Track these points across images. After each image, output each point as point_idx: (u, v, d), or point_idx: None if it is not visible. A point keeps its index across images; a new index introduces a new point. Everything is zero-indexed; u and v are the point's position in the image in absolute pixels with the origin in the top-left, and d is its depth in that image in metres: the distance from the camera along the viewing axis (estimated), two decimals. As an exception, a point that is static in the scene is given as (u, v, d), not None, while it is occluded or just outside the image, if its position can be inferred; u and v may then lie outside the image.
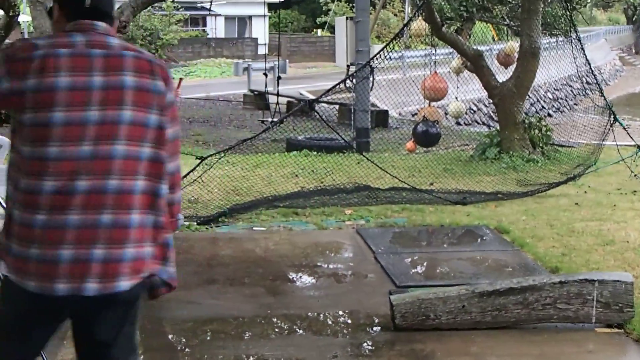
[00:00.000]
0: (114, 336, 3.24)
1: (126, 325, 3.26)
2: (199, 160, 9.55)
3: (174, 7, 42.83)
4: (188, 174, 9.44)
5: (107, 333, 3.22)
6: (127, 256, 3.06)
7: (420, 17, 12.80)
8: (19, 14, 18.88)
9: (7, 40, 20.16)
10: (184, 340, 5.62)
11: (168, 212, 3.19)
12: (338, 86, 10.81)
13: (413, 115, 23.08)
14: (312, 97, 22.99)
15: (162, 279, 3.21)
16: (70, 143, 2.96)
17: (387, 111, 21.01)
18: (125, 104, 3.03)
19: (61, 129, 2.95)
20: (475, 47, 14.26)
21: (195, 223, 8.72)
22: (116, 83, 3.02)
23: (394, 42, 11.28)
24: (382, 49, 10.82)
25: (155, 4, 19.57)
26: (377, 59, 11.00)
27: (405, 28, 12.56)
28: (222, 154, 9.82)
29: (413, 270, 7.42)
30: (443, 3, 14.03)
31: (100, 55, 3.03)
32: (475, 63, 13.60)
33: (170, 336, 5.72)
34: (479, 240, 8.47)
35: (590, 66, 12.87)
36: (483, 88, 14.11)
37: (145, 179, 3.08)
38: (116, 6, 12.98)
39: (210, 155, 9.81)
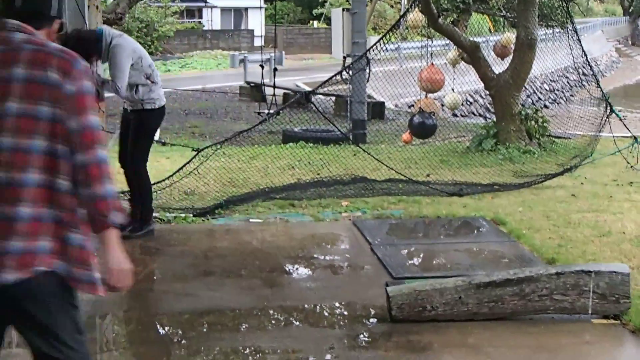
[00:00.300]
0: (29, 338, 3.21)
1: (36, 326, 3.17)
2: (195, 152, 9.54)
3: (171, -1, 42.82)
4: (184, 166, 9.43)
5: (18, 328, 3.23)
6: (13, 249, 3.05)
7: (416, 9, 12.79)
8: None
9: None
10: (181, 332, 5.62)
11: (89, 210, 3.09)
12: (334, 78, 10.80)
13: (409, 107, 23.08)
14: (308, 88, 22.98)
15: (64, 275, 3.12)
16: None
17: (383, 103, 21.02)
18: (11, 97, 3.07)
19: None
20: (471, 39, 14.23)
21: (191, 215, 8.71)
22: (4, 76, 3.09)
23: (391, 34, 11.26)
24: (379, 41, 10.81)
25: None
26: (373, 50, 10.98)
27: (401, 19, 12.52)
28: (219, 146, 9.80)
29: (410, 262, 7.42)
30: (440, -6, 14.01)
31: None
32: (472, 54, 13.58)
33: (167, 328, 5.73)
34: (475, 231, 8.47)
35: (586, 57, 12.86)
36: (479, 79, 14.09)
37: (39, 172, 3.06)
38: (112, -1, 12.76)
39: (207, 147, 9.80)
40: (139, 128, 7.80)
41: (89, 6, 8.07)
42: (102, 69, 7.91)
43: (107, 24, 8.28)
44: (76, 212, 3.11)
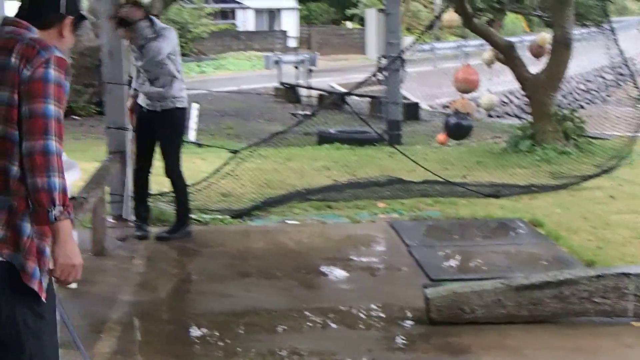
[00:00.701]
0: None
1: None
2: (232, 154, 9.58)
3: (204, 0, 42.97)
4: (221, 167, 9.47)
5: None
6: None
7: (451, 9, 12.75)
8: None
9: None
10: (218, 333, 5.64)
11: (29, 199, 3.01)
12: (370, 79, 10.79)
13: (444, 108, 23.01)
14: (342, 89, 23.01)
15: (16, 267, 3.05)
16: None
17: (417, 104, 20.97)
18: None
19: None
20: (506, 39, 14.16)
21: (228, 216, 8.74)
22: None
23: (425, 35, 11.23)
24: (414, 42, 10.77)
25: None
26: (408, 51, 10.95)
27: (436, 20, 12.49)
28: (255, 148, 9.83)
29: (447, 264, 7.40)
30: (474, -6, 13.95)
31: None
32: (507, 54, 13.51)
33: (204, 329, 5.75)
34: (512, 233, 8.43)
35: (624, 57, 12.75)
36: (514, 80, 14.02)
37: None
38: (147, -1, 12.79)
39: (243, 149, 9.82)
40: (173, 128, 7.74)
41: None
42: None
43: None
44: (27, 203, 3.05)
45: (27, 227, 3.06)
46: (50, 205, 2.97)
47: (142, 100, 7.65)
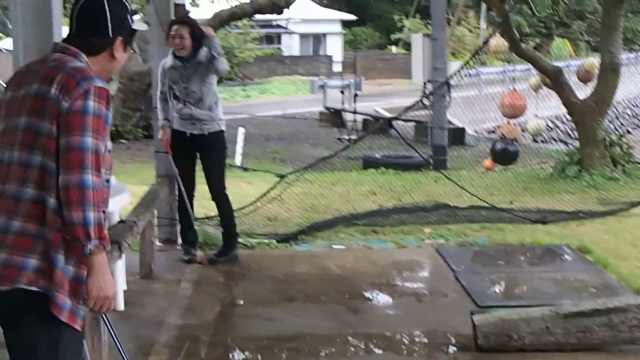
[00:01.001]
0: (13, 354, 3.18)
1: (9, 344, 3.16)
2: (279, 178, 9.62)
3: (250, 25, 43.24)
4: (268, 192, 9.51)
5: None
6: None
7: (498, 34, 12.72)
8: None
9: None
10: (264, 357, 5.65)
11: (67, 233, 3.02)
12: (417, 104, 10.79)
13: (489, 133, 22.89)
14: (387, 114, 22.99)
15: (47, 298, 3.04)
16: None
17: (463, 128, 20.88)
18: (24, 111, 3.11)
19: None
20: (554, 63, 14.08)
21: (274, 240, 8.77)
22: (26, 92, 3.15)
23: (473, 60, 11.22)
24: (461, 67, 10.76)
25: (232, 22, 19.74)
26: (455, 76, 10.94)
27: (484, 45, 12.47)
28: (301, 172, 9.86)
29: (494, 290, 7.35)
30: (521, 19, 13.90)
31: (33, 69, 3.22)
32: (554, 79, 13.44)
33: (250, 353, 5.77)
34: (560, 259, 8.36)
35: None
36: (560, 105, 13.93)
37: (33, 187, 3.05)
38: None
39: (290, 173, 9.86)
40: (219, 151, 7.75)
41: (175, 34, 8.17)
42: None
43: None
44: (57, 231, 3.06)
45: (61, 260, 3.05)
46: (86, 239, 2.99)
47: (182, 125, 7.56)
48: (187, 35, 7.33)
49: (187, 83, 7.44)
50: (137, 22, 3.44)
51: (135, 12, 3.42)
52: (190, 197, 7.83)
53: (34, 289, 3.02)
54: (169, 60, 7.53)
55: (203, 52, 7.38)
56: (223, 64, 7.45)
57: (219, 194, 7.73)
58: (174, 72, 7.49)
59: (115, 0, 3.28)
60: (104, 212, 3.14)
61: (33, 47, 3.84)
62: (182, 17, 7.51)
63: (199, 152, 7.68)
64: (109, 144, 3.23)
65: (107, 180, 3.24)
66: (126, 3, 3.33)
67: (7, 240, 3.05)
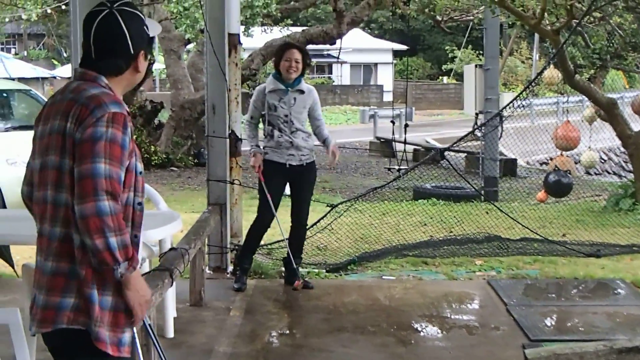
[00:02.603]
0: None
1: None
2: (329, 208, 9.61)
3: (302, 55, 43.57)
4: (318, 221, 9.50)
5: None
6: (39, 303, 3.09)
7: (552, 65, 12.64)
8: (153, 62, 19.58)
9: (141, 87, 20.88)
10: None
11: (94, 260, 3.00)
12: (470, 135, 10.73)
13: (541, 164, 22.73)
14: (438, 145, 22.90)
15: (90, 334, 3.05)
16: (35, 190, 3.19)
17: (515, 160, 20.75)
18: (51, 149, 3.11)
19: (32, 176, 3.24)
20: (608, 95, 13.95)
21: (324, 270, 8.75)
22: (50, 128, 3.15)
23: (527, 91, 11.14)
24: (515, 98, 10.69)
25: (284, 52, 19.88)
26: (508, 107, 10.88)
27: (538, 76, 12.39)
28: (352, 202, 9.84)
29: (546, 324, 7.25)
30: (575, 50, 13.80)
31: (56, 101, 3.20)
32: (608, 111, 13.30)
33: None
34: (613, 294, 8.23)
35: None
36: (614, 137, 13.78)
37: (62, 225, 3.05)
38: (246, 54, 13.23)
39: (341, 203, 9.85)
40: (314, 181, 7.89)
41: (229, 63, 8.25)
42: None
43: (242, 81, 8.47)
44: (95, 271, 3.04)
45: (95, 295, 3.04)
46: (115, 263, 2.97)
47: (282, 157, 7.55)
48: (300, 60, 7.44)
49: (287, 109, 7.51)
50: (150, 24, 3.34)
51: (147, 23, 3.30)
52: (268, 228, 7.86)
53: (75, 327, 3.04)
54: (270, 84, 7.57)
55: (310, 92, 7.61)
56: (324, 131, 7.83)
57: (305, 221, 7.87)
58: (274, 96, 7.52)
59: (129, 14, 3.20)
60: (136, 236, 3.14)
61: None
62: (292, 42, 7.62)
63: (291, 181, 7.71)
64: (140, 166, 3.19)
65: (140, 203, 3.19)
66: (139, 13, 3.25)
67: (43, 281, 3.08)
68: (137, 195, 3.15)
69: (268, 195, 7.52)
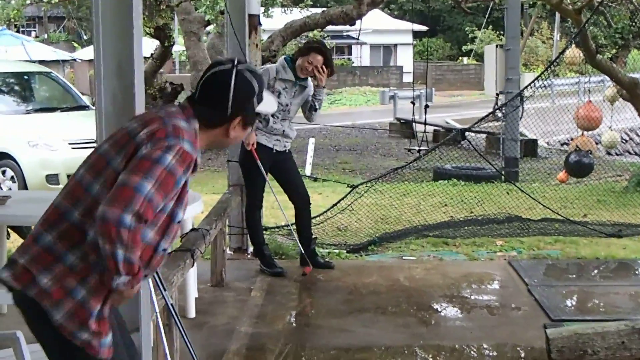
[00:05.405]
0: None
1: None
2: (350, 189, 9.61)
3: (321, 36, 43.44)
4: (339, 202, 9.51)
5: None
6: (19, 261, 3.08)
7: (573, 45, 12.55)
8: (173, 44, 19.57)
9: (161, 69, 20.89)
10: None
11: (104, 263, 2.96)
12: (490, 115, 10.70)
13: (562, 145, 22.61)
14: (459, 125, 22.85)
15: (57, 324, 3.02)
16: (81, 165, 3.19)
17: (536, 140, 20.66)
18: (110, 139, 3.14)
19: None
20: (630, 75, 13.85)
21: (345, 251, 8.76)
22: (127, 125, 3.18)
23: (548, 71, 11.07)
24: (536, 78, 10.63)
25: (303, 33, 19.84)
26: (529, 88, 10.82)
27: (560, 56, 12.31)
28: (373, 183, 9.84)
29: (568, 304, 7.24)
30: (597, 30, 13.70)
31: (149, 111, 3.30)
32: (630, 91, 13.19)
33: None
34: (635, 274, 8.22)
35: None
36: (636, 117, 13.67)
37: (81, 212, 3.03)
38: (266, 36, 13.13)
39: (361, 184, 9.84)
40: (295, 164, 7.94)
41: (249, 44, 8.25)
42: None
43: (262, 62, 8.43)
44: (93, 270, 3.01)
45: (80, 293, 3.02)
46: (117, 273, 2.93)
47: (270, 141, 7.55)
48: (320, 68, 7.40)
49: (288, 99, 7.51)
50: (266, 103, 3.27)
51: (261, 90, 3.23)
52: (260, 209, 7.86)
53: (42, 308, 3.01)
54: (281, 70, 7.49)
55: (310, 87, 7.57)
56: (316, 117, 7.77)
57: (308, 198, 7.88)
58: (280, 83, 7.48)
59: (243, 79, 3.16)
60: (146, 275, 3.12)
61: (113, 58, 3.88)
62: (321, 47, 7.54)
63: (273, 165, 7.68)
64: (180, 215, 3.16)
65: (165, 249, 3.17)
66: (254, 83, 3.18)
67: (33, 250, 3.06)
68: (165, 240, 3.13)
69: (264, 172, 7.50)
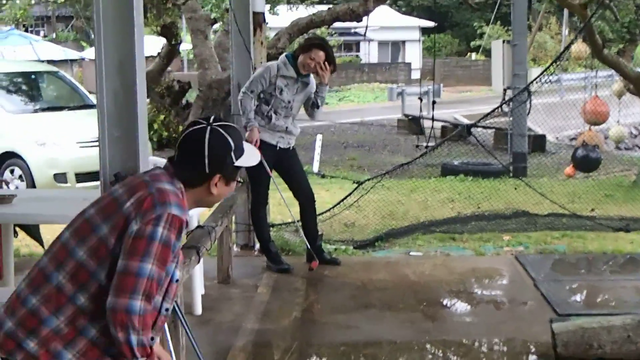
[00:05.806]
0: None
1: None
2: (356, 185, 9.62)
3: (328, 32, 43.40)
4: (345, 198, 9.51)
5: None
6: (5, 326, 3.04)
7: (580, 40, 12.52)
8: (180, 42, 19.59)
9: (168, 68, 20.92)
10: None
11: (116, 347, 2.98)
12: (496, 110, 10.68)
13: (570, 140, 22.54)
14: (467, 121, 22.80)
15: None
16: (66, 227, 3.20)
17: (544, 135, 20.61)
18: (96, 204, 3.12)
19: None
20: (637, 69, 13.82)
21: (351, 247, 8.77)
22: (112, 192, 3.18)
23: (554, 66, 11.05)
24: (542, 73, 10.62)
25: (310, 30, 19.82)
26: (535, 83, 10.80)
27: (566, 51, 12.28)
28: (379, 179, 9.84)
29: (574, 298, 7.24)
30: (604, 25, 13.67)
31: (135, 177, 3.27)
32: (637, 86, 13.17)
33: None
34: (643, 268, 8.20)
35: None
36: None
37: (67, 278, 3.00)
38: (272, 34, 13.17)
39: (368, 180, 9.85)
40: (300, 161, 7.92)
41: (254, 42, 8.25)
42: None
43: (269, 59, 8.41)
44: (81, 334, 3.00)
45: (65, 357, 2.99)
46: (132, 356, 2.96)
47: (274, 138, 7.52)
48: (322, 65, 7.41)
49: (291, 96, 7.50)
50: (245, 158, 3.26)
51: (237, 147, 3.20)
52: (265, 206, 7.87)
53: None
54: (282, 67, 7.47)
55: (313, 83, 7.58)
56: (318, 115, 7.76)
57: (313, 195, 7.85)
58: (282, 80, 7.47)
59: (217, 136, 3.16)
60: (152, 338, 3.09)
61: (114, 56, 3.89)
62: (323, 43, 7.54)
63: (277, 162, 7.66)
64: (178, 274, 3.19)
65: (167, 309, 3.18)
66: (229, 140, 3.17)
67: (19, 312, 3.04)
68: (166, 300, 3.15)
69: (268, 170, 7.46)
